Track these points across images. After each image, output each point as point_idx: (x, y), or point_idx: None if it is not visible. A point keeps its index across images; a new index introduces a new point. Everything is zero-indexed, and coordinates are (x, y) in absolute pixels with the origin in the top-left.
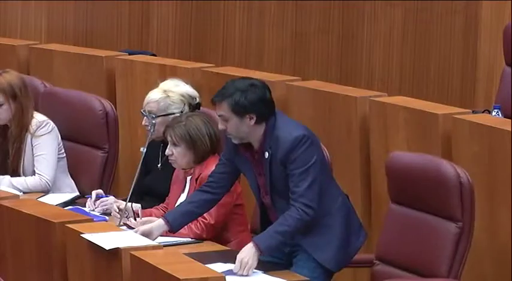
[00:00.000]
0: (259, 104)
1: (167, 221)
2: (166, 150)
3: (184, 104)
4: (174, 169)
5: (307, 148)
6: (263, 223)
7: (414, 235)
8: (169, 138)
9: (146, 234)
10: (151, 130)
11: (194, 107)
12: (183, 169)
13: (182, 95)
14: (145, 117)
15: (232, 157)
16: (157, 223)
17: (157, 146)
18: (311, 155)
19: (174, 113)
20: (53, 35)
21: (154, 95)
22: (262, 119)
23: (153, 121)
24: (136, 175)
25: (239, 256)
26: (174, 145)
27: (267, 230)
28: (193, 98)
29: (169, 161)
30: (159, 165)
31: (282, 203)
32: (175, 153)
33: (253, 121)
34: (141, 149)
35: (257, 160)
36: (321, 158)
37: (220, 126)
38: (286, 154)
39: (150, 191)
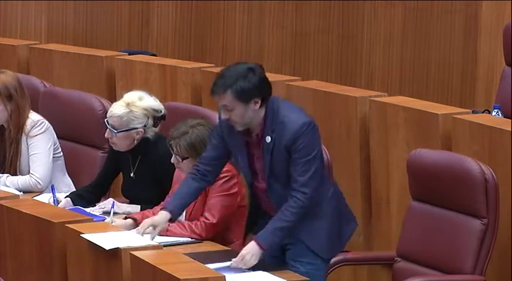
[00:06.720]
0: (262, 86)
1: (170, 212)
2: (172, 158)
3: (148, 118)
4: (147, 176)
5: (313, 136)
6: (253, 208)
7: (437, 231)
8: (174, 150)
9: (152, 226)
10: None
11: (159, 118)
12: None
13: (145, 109)
14: (108, 130)
15: (225, 139)
16: (161, 215)
17: (126, 155)
18: (316, 143)
19: (136, 128)
20: (53, 35)
21: (117, 110)
22: (265, 101)
23: (116, 135)
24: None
25: (242, 252)
26: (181, 156)
27: (267, 228)
28: (157, 111)
29: (177, 168)
30: (131, 174)
31: (278, 187)
32: (182, 164)
33: (258, 105)
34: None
35: (256, 144)
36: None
37: (224, 116)
38: (294, 140)
39: (127, 198)
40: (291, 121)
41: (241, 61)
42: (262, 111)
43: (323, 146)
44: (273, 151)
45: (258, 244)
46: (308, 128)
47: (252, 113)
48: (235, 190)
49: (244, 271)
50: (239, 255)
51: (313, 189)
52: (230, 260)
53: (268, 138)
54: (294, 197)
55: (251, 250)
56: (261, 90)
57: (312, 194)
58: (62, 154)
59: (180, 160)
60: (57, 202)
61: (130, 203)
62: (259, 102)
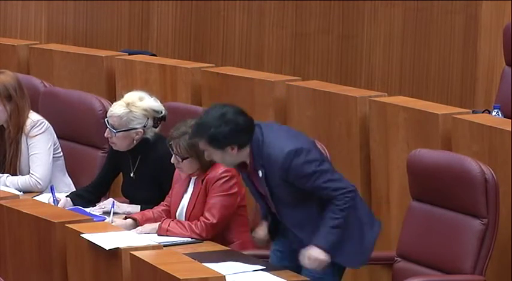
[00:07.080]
0: (235, 134)
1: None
2: (172, 158)
3: (148, 118)
4: (147, 176)
5: (305, 159)
6: (274, 223)
7: (437, 231)
8: (174, 151)
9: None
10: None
11: (159, 119)
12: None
13: (145, 110)
14: (107, 129)
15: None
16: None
17: (126, 155)
18: (313, 163)
19: (135, 128)
20: (53, 35)
21: (117, 110)
22: (244, 145)
23: (115, 134)
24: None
25: (310, 254)
26: (181, 156)
27: (322, 230)
28: (157, 112)
29: (177, 168)
30: (131, 174)
31: (287, 211)
32: (182, 164)
33: (235, 150)
34: None
35: (254, 175)
36: (322, 158)
37: (207, 157)
38: (285, 173)
39: (127, 198)
40: (275, 153)
41: (218, 103)
42: (246, 150)
43: (323, 145)
44: (268, 183)
45: (319, 247)
46: (295, 156)
47: (232, 157)
48: (235, 190)
49: (245, 271)
50: (308, 257)
51: (343, 187)
52: (230, 260)
53: (260, 173)
54: (336, 198)
55: (318, 253)
56: (233, 139)
57: (347, 193)
58: (62, 154)
59: (180, 160)
60: (57, 202)
61: (130, 203)
62: (236, 147)
